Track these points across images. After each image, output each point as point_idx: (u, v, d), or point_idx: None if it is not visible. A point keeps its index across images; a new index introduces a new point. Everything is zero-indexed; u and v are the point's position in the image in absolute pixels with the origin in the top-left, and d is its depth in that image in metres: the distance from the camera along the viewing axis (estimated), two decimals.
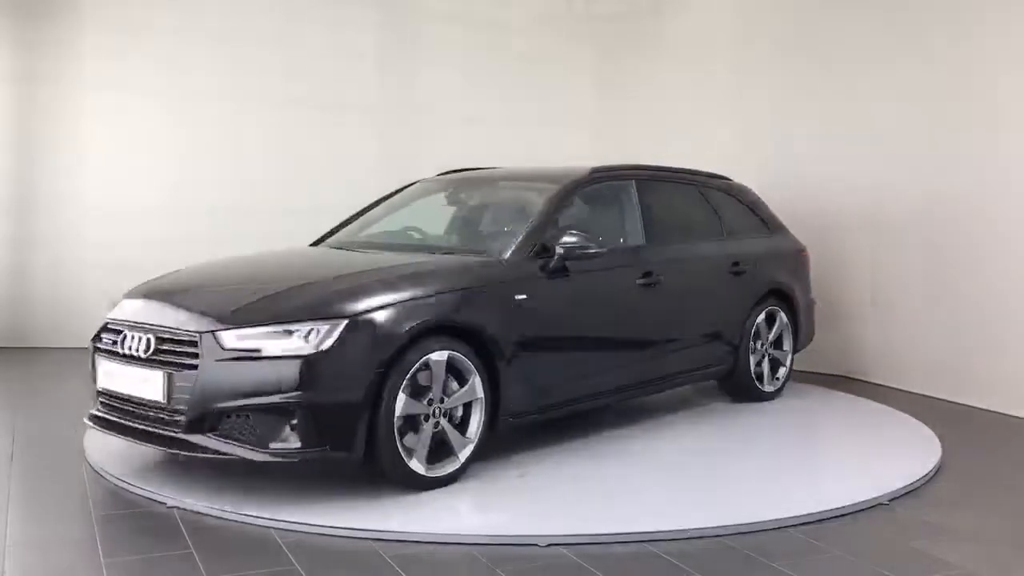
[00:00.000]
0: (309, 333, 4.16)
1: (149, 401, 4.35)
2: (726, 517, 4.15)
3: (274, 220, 8.76)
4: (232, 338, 4.20)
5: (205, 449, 4.19)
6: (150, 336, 4.41)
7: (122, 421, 4.52)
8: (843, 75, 7.61)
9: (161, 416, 4.32)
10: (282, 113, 8.86)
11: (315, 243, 6.04)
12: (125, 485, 4.57)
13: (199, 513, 4.21)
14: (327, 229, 6.22)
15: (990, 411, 6.46)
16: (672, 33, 9.21)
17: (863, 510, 4.36)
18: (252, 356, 4.15)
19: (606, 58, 9.68)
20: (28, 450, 5.29)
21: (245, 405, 4.12)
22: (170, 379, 4.25)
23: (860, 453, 5.20)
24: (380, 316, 4.30)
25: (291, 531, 4.01)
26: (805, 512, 4.24)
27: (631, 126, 9.43)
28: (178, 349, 4.30)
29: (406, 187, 6.49)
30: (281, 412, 4.11)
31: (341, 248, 5.68)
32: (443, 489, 4.44)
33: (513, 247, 5.07)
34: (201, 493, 4.38)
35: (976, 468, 5.15)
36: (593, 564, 3.69)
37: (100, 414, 4.69)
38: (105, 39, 8.52)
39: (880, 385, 7.29)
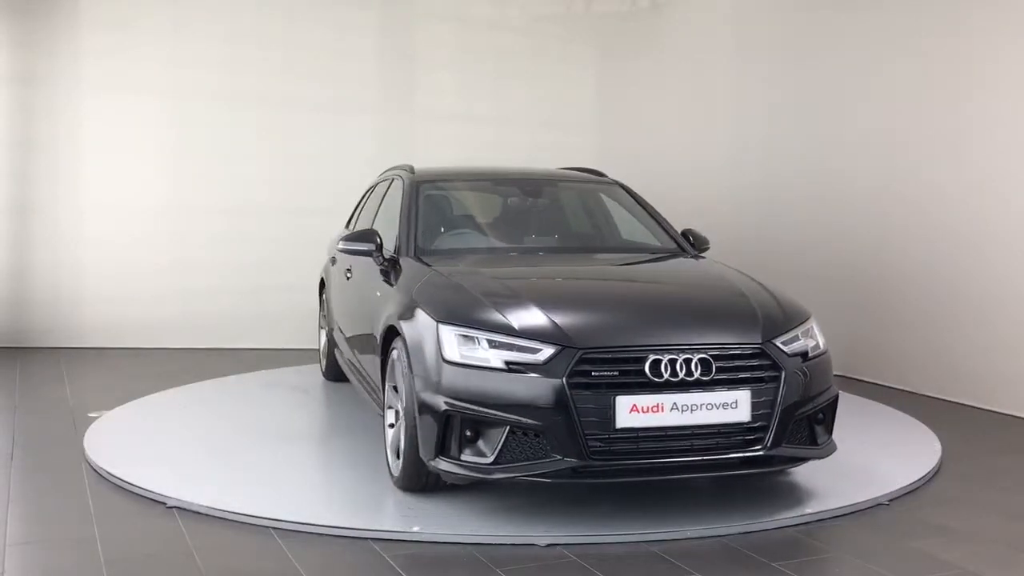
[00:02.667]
0: (809, 332, 4.45)
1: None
2: (726, 517, 4.15)
3: (273, 220, 8.77)
4: (786, 346, 4.27)
5: (784, 461, 4.26)
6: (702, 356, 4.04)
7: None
8: (842, 74, 7.60)
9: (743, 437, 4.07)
10: (281, 113, 8.84)
11: (388, 262, 5.13)
12: (125, 485, 4.57)
13: (199, 513, 4.21)
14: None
15: (990, 411, 6.45)
16: (672, 32, 9.21)
17: (863, 510, 4.36)
18: (802, 359, 4.29)
19: (606, 57, 9.67)
20: (28, 450, 5.29)
21: (812, 407, 4.29)
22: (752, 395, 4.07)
23: (860, 453, 5.19)
24: None
25: (291, 531, 4.01)
26: (805, 512, 4.24)
27: (631, 125, 9.42)
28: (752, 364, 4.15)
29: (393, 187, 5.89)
30: (826, 411, 4.43)
31: (522, 259, 5.35)
32: (443, 489, 4.42)
33: (683, 243, 5.60)
34: (201, 493, 4.38)
35: (976, 468, 5.14)
36: (593, 564, 3.68)
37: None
38: (103, 39, 8.51)
39: (880, 385, 7.29)
